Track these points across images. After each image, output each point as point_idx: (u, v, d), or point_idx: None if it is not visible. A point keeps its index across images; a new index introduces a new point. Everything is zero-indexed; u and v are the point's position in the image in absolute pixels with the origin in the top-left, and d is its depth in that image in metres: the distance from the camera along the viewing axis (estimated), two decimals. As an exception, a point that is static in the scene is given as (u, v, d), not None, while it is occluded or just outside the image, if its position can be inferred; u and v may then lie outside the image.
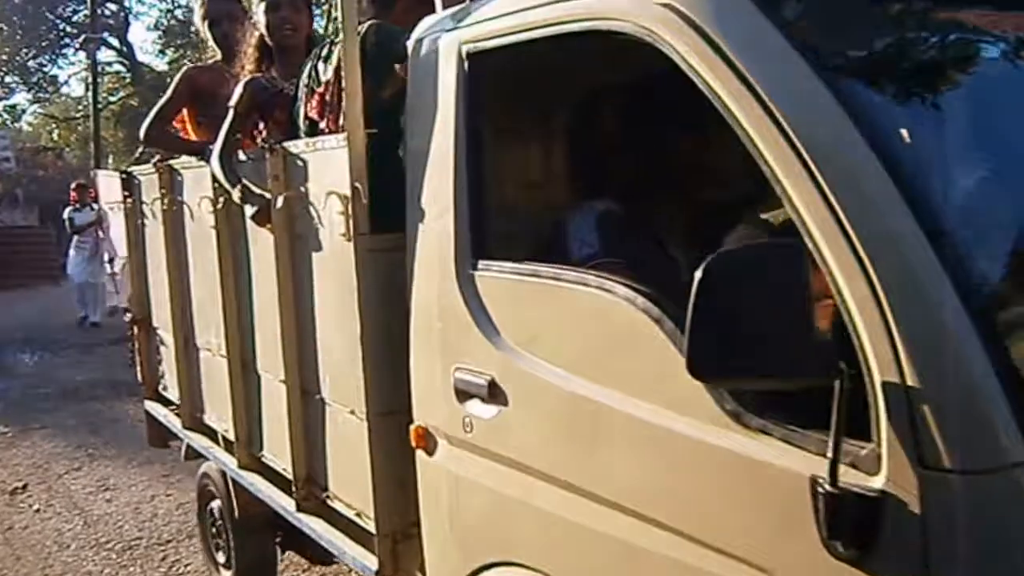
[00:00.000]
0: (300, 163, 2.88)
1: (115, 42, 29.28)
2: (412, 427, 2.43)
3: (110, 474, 6.14)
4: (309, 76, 2.97)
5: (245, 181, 3.16)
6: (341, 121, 2.72)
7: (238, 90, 3.28)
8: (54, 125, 29.13)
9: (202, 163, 3.66)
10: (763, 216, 1.85)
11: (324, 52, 2.94)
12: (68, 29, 28.49)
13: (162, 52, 29.87)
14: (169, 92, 4.08)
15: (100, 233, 11.64)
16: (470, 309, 2.16)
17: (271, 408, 3.36)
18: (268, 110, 3.28)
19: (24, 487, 6.01)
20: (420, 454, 2.44)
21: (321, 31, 4.07)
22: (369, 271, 2.54)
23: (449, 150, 2.22)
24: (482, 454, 2.18)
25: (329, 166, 2.68)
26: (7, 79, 28.62)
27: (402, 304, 2.51)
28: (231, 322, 3.54)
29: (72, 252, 13.43)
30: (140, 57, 29.68)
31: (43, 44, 28.51)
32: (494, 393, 2.09)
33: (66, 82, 30.83)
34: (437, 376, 2.31)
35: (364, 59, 2.57)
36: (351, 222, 2.52)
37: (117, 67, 30.19)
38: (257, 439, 3.52)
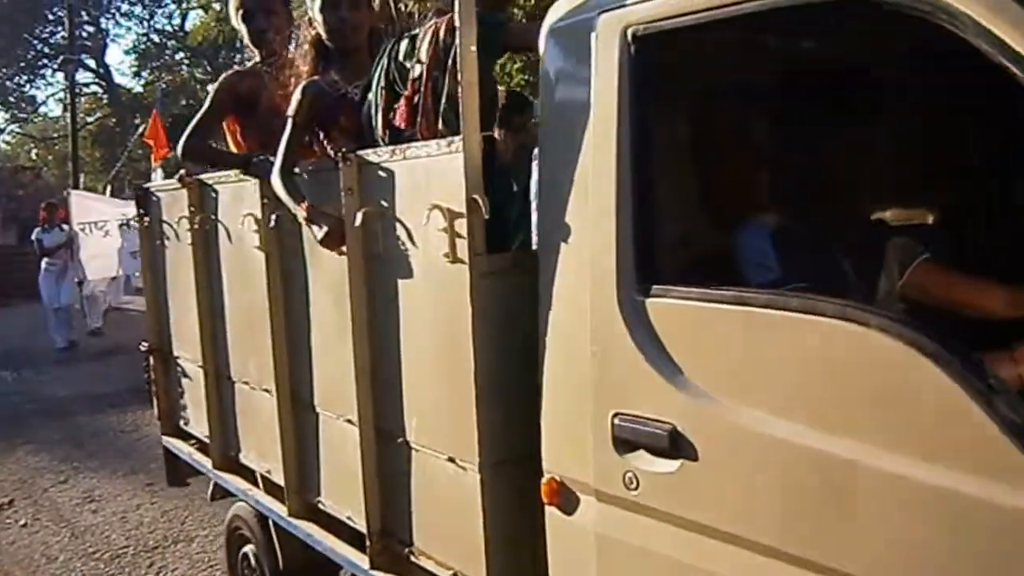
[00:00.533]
0: (382, 174, 2.45)
1: (92, 63, 28.88)
2: (543, 480, 2.00)
3: (95, 486, 6.09)
4: (387, 77, 2.54)
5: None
6: (440, 126, 2.32)
7: (296, 97, 2.82)
8: (32, 145, 28.55)
9: (243, 177, 3.24)
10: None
11: (403, 48, 2.52)
12: (46, 50, 28.04)
13: (137, 74, 29.58)
14: (208, 103, 3.53)
15: (70, 254, 11.38)
16: (638, 343, 1.75)
17: (333, 451, 2.91)
18: (331, 117, 2.83)
19: (10, 503, 5.91)
20: (552, 512, 2.00)
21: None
22: (485, 298, 2.11)
23: (609, 154, 1.80)
24: (651, 515, 1.76)
25: (430, 176, 2.26)
26: (-15, 99, 28.09)
27: (520, 336, 2.11)
28: (280, 354, 3.07)
29: (41, 276, 12.07)
30: (117, 79, 29.38)
31: (21, 65, 28.07)
32: (676, 445, 1.67)
33: (44, 102, 30.36)
34: (585, 422, 1.88)
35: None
36: (464, 241, 2.10)
37: (94, 88, 29.83)
38: (313, 484, 3.05)
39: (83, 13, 27.78)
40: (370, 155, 2.50)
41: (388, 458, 2.60)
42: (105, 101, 29.43)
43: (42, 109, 30.87)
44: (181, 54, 29.35)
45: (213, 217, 3.53)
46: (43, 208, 12.64)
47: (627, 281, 1.80)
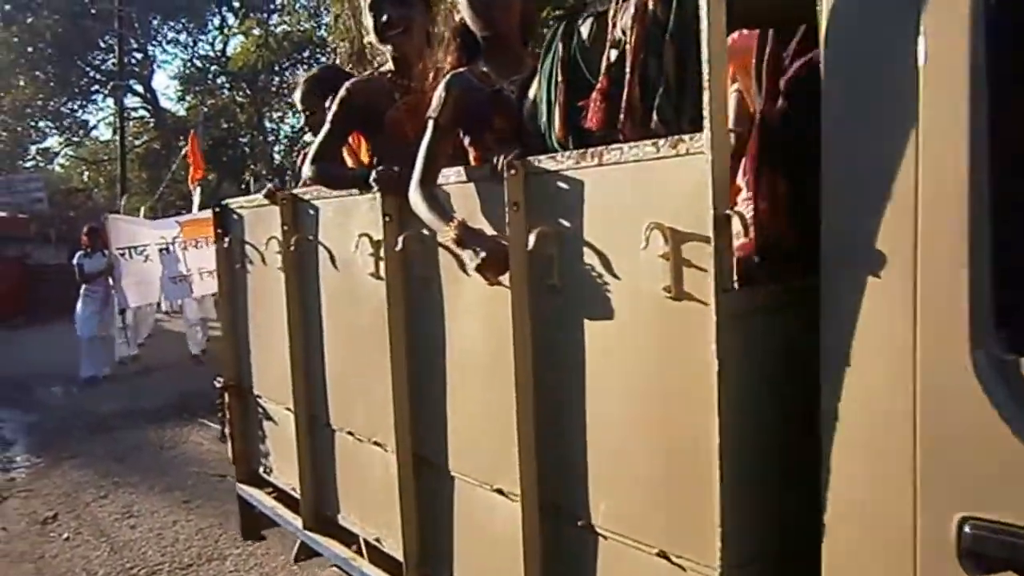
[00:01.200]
0: (563, 185, 1.85)
1: (140, 88, 28.79)
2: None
3: (134, 501, 6.10)
4: (565, 67, 1.94)
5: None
6: (654, 123, 1.72)
7: (438, 94, 2.25)
8: (84, 167, 28.42)
9: (351, 192, 2.67)
10: None
11: (586, 30, 1.92)
12: (98, 76, 27.95)
13: (182, 98, 29.41)
14: (329, 119, 2.88)
15: (111, 281, 10.47)
16: (1006, 419, 1.16)
17: (473, 526, 2.29)
18: (482, 117, 2.24)
19: (55, 516, 5.92)
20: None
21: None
22: (735, 348, 1.50)
23: (954, 140, 1.20)
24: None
25: (643, 187, 1.66)
26: (41, 123, 28.10)
27: (783, 397, 1.51)
28: (402, 404, 2.47)
29: (80, 304, 10.94)
30: (162, 103, 29.21)
31: (75, 91, 28.04)
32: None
33: (95, 126, 30.34)
34: (903, 522, 1.28)
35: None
36: (699, 272, 1.51)
37: (142, 112, 29.73)
38: (443, 564, 2.44)
39: (132, 41, 27.69)
40: (545, 162, 1.90)
41: (560, 544, 1.98)
42: (152, 124, 29.32)
43: (93, 133, 30.87)
44: (222, 78, 29.12)
45: (311, 238, 2.94)
46: (85, 232, 11.34)
47: (987, 331, 1.19)
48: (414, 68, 2.68)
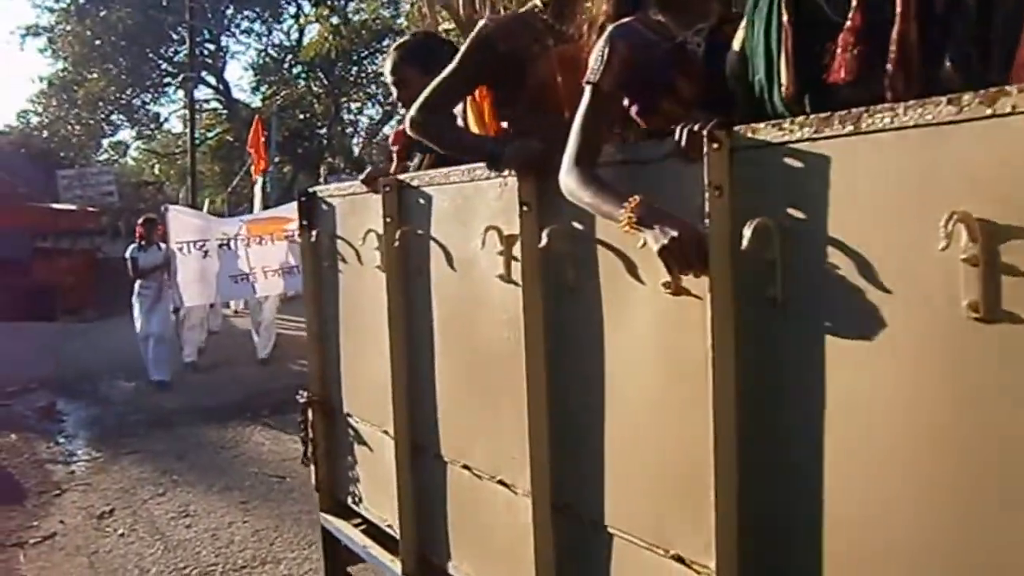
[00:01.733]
0: (793, 163, 1.38)
1: (212, 80, 29.11)
2: None
3: (191, 500, 6.08)
4: (789, 2, 1.47)
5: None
6: (948, 69, 1.24)
7: (599, 51, 1.78)
8: (155, 160, 28.89)
9: (473, 176, 2.24)
10: None
11: None
12: (169, 69, 28.31)
13: (256, 89, 29.64)
14: (455, 65, 2.36)
15: (166, 277, 9.74)
16: None
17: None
18: (660, 78, 1.76)
19: (111, 511, 5.91)
20: None
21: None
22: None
23: None
24: None
25: (923, 163, 1.20)
26: (113, 117, 28.62)
27: None
28: (539, 441, 2.02)
29: (135, 302, 10.05)
30: (235, 94, 29.46)
31: (147, 84, 28.46)
32: None
33: (166, 119, 30.83)
34: None
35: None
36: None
37: (214, 104, 30.08)
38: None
39: (204, 31, 28.01)
40: (764, 131, 1.44)
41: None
42: (224, 116, 29.61)
43: (166, 126, 31.35)
44: (298, 68, 29.23)
45: (421, 232, 2.52)
46: (140, 223, 10.27)
47: None
48: (575, 7, 2.17)
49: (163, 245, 9.76)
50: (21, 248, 19.05)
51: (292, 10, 29.35)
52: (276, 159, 11.48)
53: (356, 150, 29.64)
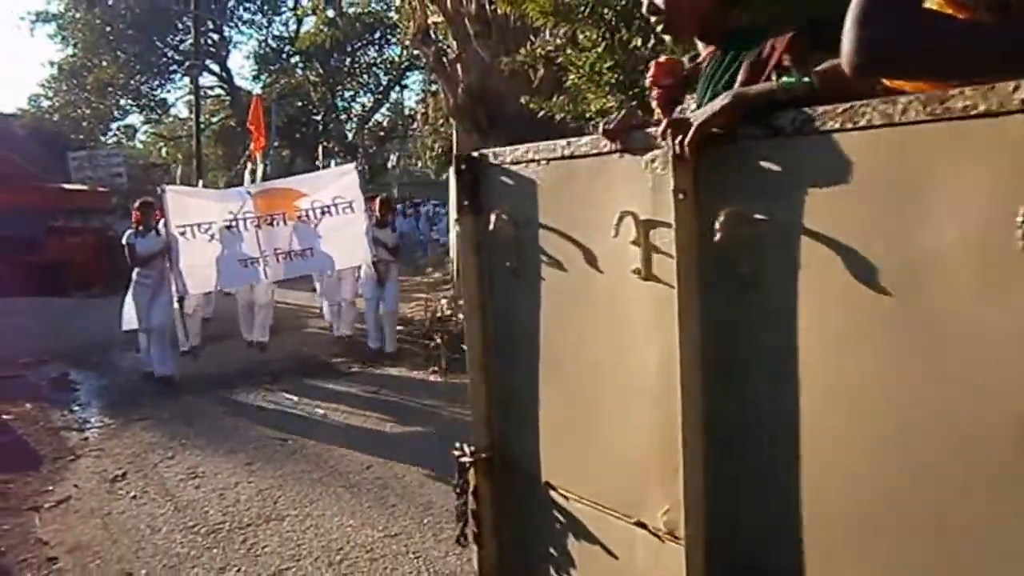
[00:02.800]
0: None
1: (216, 68, 28.88)
2: None
3: (199, 462, 6.13)
4: None
5: None
6: None
7: None
8: (163, 143, 28.68)
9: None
10: None
11: None
12: (175, 57, 28.05)
13: (256, 77, 29.40)
14: None
15: (168, 264, 8.31)
16: None
17: None
18: None
19: (123, 475, 5.95)
20: None
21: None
22: None
23: None
24: None
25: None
26: (122, 101, 28.36)
27: None
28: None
29: (130, 292, 8.65)
30: (237, 82, 29.26)
31: (154, 70, 28.20)
32: None
33: (173, 104, 30.57)
34: None
35: None
36: None
37: (218, 91, 29.87)
38: None
39: (209, 22, 27.76)
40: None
41: None
42: (227, 103, 29.40)
43: (172, 111, 31.12)
44: (296, 58, 29.05)
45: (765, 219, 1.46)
46: (136, 207, 8.69)
47: None
48: None
49: (162, 230, 8.43)
50: (35, 226, 18.83)
51: (291, 2, 29.13)
52: (275, 143, 11.00)
53: (350, 135, 29.52)
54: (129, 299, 8.59)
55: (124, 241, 8.50)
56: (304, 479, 5.56)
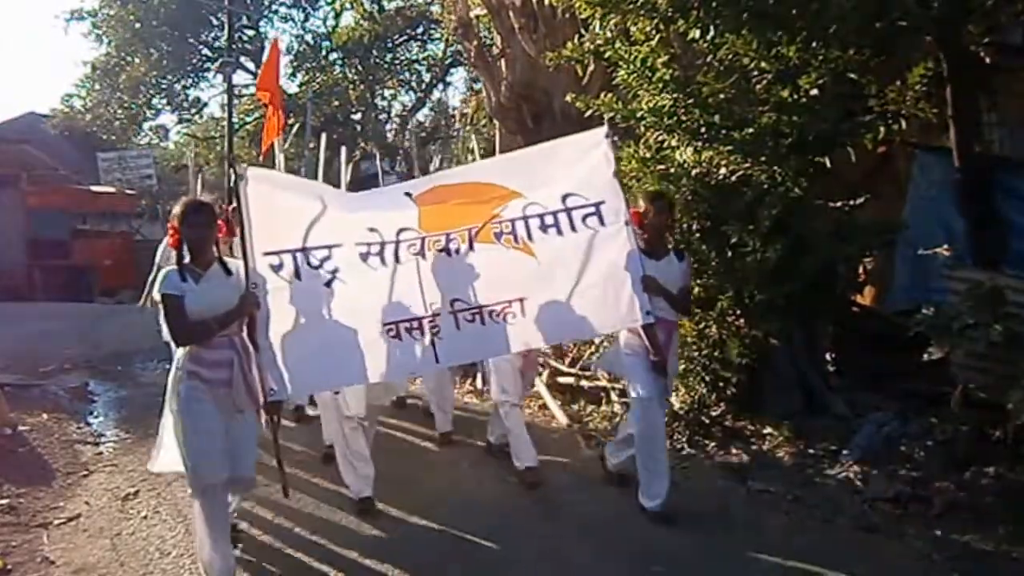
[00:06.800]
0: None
1: (251, 66, 29.21)
2: None
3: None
4: None
5: None
6: None
7: None
8: (195, 144, 29.12)
9: None
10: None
11: None
12: (209, 54, 28.47)
13: (293, 75, 29.69)
14: None
15: (243, 338, 4.53)
16: None
17: None
18: None
19: (136, 493, 5.95)
20: None
21: None
22: None
23: None
24: None
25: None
26: (154, 100, 28.87)
27: None
28: None
29: (174, 402, 4.18)
30: (274, 80, 29.43)
31: (187, 68, 28.67)
32: None
33: (206, 104, 31.08)
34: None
35: None
36: None
37: (253, 89, 30.17)
38: None
39: (243, 17, 28.14)
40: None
41: None
42: (262, 102, 29.69)
43: (206, 110, 31.57)
44: (334, 55, 29.30)
45: None
46: (178, 217, 4.12)
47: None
48: None
49: (234, 264, 4.28)
50: (61, 229, 19.30)
51: (330, -3, 29.41)
52: (311, 144, 10.44)
53: (389, 136, 29.68)
54: (168, 423, 4.47)
55: (160, 291, 4.07)
56: (322, 503, 5.49)
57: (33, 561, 4.75)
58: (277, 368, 4.29)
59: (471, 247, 4.69)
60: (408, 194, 4.83)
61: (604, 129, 4.84)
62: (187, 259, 4.12)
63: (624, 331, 4.91)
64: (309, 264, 4.47)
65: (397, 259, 4.63)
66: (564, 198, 4.71)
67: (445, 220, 4.74)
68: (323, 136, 7.43)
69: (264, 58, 11.97)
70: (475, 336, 4.62)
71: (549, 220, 4.69)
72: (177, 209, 4.13)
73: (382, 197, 5.32)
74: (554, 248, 4.67)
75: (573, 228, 4.67)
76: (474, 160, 9.06)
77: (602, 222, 4.66)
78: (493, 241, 4.70)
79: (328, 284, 4.50)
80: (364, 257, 4.60)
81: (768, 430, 6.22)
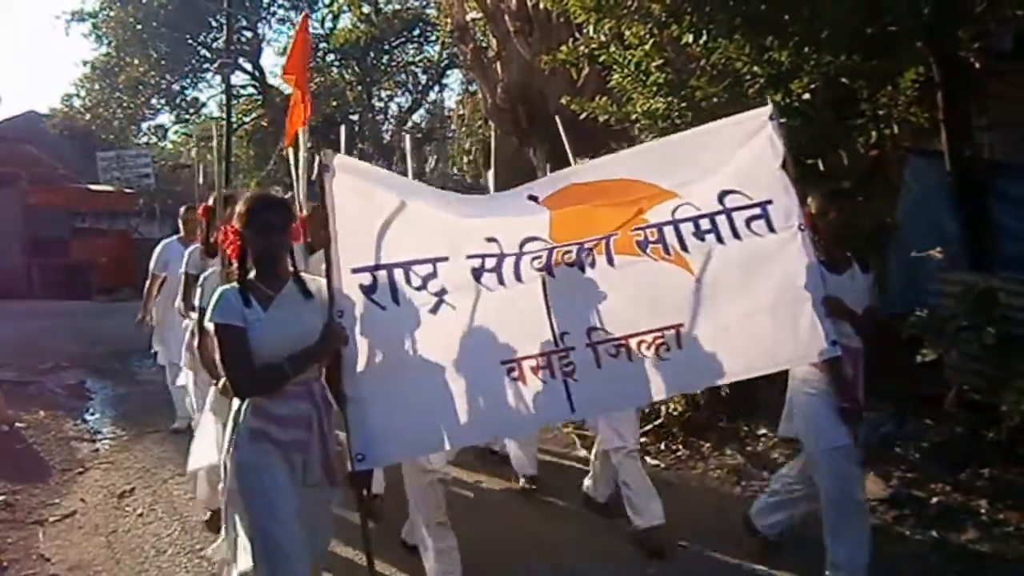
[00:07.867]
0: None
1: (249, 67, 29.22)
2: None
3: None
4: None
5: None
6: None
7: None
8: (193, 144, 29.06)
9: None
10: None
11: None
12: (208, 55, 28.45)
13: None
14: None
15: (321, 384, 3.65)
16: None
17: None
18: None
19: (132, 491, 5.89)
20: None
21: None
22: None
23: None
24: None
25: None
26: (153, 100, 28.85)
27: None
28: None
29: (240, 473, 2.99)
30: (270, 80, 29.50)
31: (186, 69, 28.66)
32: None
33: (204, 104, 31.05)
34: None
35: None
36: None
37: (250, 90, 30.20)
38: None
39: (242, 19, 28.10)
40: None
41: None
42: (260, 102, 29.71)
43: (204, 110, 31.52)
44: (331, 56, 29.28)
45: None
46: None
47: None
48: None
49: (313, 283, 3.17)
50: (60, 227, 19.25)
51: (327, -1, 29.38)
52: (309, 144, 10.24)
53: (386, 136, 29.67)
54: (203, 422, 4.39)
55: (215, 319, 2.96)
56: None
57: (28, 558, 4.73)
58: (367, 427, 3.17)
59: (610, 261, 3.60)
60: (533, 197, 3.70)
61: (769, 108, 3.85)
62: (251, 274, 3.05)
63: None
64: (409, 283, 3.34)
65: (518, 277, 3.49)
66: (722, 197, 3.69)
67: (581, 227, 3.64)
68: (343, 128, 7.28)
69: (261, 59, 11.52)
70: (618, 377, 3.51)
71: (705, 225, 3.65)
72: (241, 207, 3.06)
73: (497, 200, 4.24)
74: (714, 260, 3.63)
75: (736, 235, 3.65)
76: (470, 162, 8.80)
77: (771, 227, 3.66)
78: (638, 252, 3.62)
79: (434, 310, 3.36)
80: (477, 275, 3.45)
81: (763, 431, 6.19)
